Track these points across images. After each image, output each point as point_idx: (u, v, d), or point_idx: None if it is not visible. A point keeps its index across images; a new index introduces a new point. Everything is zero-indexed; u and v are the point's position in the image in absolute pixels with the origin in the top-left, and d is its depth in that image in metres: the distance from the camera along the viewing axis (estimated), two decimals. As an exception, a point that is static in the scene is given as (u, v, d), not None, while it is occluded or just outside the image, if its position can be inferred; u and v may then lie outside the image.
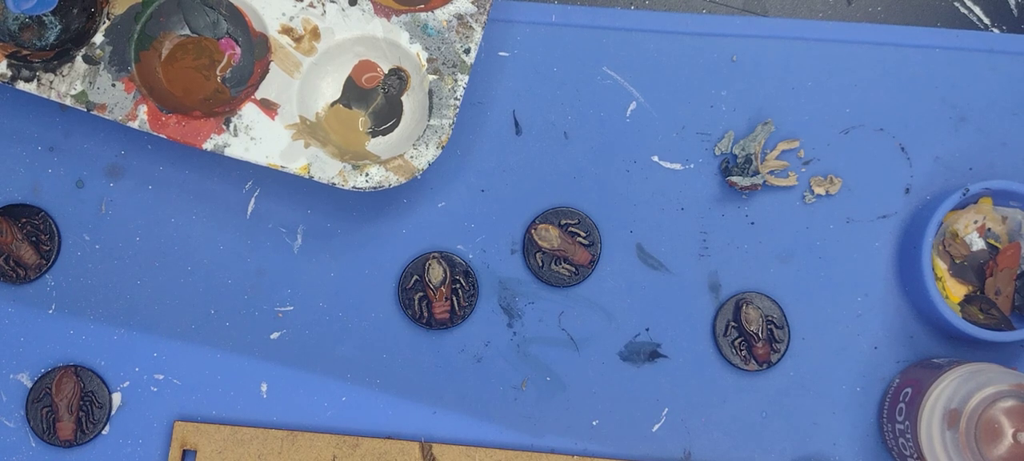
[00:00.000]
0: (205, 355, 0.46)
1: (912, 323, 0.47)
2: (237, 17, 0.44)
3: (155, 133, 0.42)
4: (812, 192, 0.47)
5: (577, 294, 0.46)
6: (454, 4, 0.43)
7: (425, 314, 0.46)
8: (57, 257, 0.46)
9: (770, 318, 0.46)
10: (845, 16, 0.49)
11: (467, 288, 0.46)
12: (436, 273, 0.46)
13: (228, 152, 0.42)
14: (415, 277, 0.46)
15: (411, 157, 0.42)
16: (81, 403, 0.45)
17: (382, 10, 0.43)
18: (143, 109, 0.43)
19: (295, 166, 0.42)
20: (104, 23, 0.43)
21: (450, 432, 0.46)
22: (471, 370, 0.46)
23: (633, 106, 0.47)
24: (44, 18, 0.44)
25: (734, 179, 0.46)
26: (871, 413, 0.46)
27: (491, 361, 0.46)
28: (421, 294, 0.46)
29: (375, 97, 0.45)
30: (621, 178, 0.47)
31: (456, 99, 0.43)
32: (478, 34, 0.43)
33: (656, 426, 0.46)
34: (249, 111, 0.43)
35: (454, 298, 0.46)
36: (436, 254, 0.46)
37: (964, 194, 0.45)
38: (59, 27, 0.44)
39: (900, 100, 0.48)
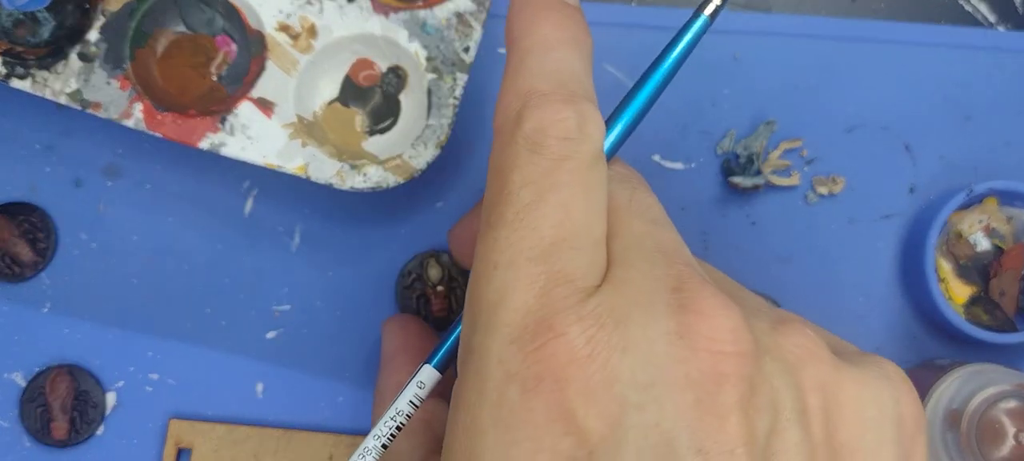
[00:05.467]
0: (201, 355, 0.46)
1: (915, 324, 0.47)
2: (233, 14, 0.43)
3: (150, 132, 0.42)
4: (815, 192, 0.47)
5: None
6: (453, 1, 0.43)
7: (423, 312, 0.46)
8: (53, 255, 0.46)
9: (772, 319, 0.46)
10: (849, 13, 0.49)
11: (465, 284, 0.45)
12: (435, 271, 0.45)
13: (224, 151, 0.42)
14: (414, 275, 0.46)
15: (409, 157, 0.42)
16: (75, 403, 0.45)
17: (380, 7, 0.43)
18: (138, 107, 0.42)
19: (292, 166, 0.42)
20: (99, 20, 0.43)
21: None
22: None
23: (634, 104, 0.47)
24: (38, 15, 0.43)
25: (736, 180, 0.46)
26: (873, 415, 0.46)
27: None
28: (419, 292, 0.46)
29: (373, 96, 0.44)
30: (622, 177, 0.47)
31: (455, 98, 0.42)
32: (478, 32, 0.43)
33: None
34: (245, 110, 0.42)
35: (452, 297, 0.46)
36: (436, 253, 0.46)
37: (969, 194, 0.44)
38: (53, 24, 0.43)
39: (904, 98, 0.47)
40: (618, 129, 0.31)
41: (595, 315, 0.25)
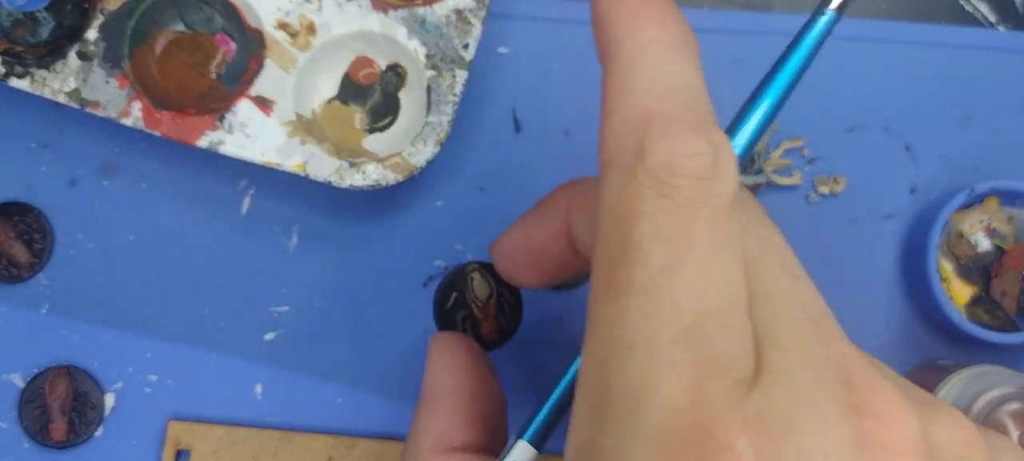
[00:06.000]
0: (199, 356, 0.46)
1: (917, 325, 0.46)
2: (232, 12, 0.43)
3: (149, 130, 0.42)
4: (816, 191, 0.46)
5: (580, 295, 0.46)
6: None
7: (470, 335, 0.42)
8: (50, 256, 0.46)
9: (773, 319, 0.46)
10: (849, 12, 0.48)
11: (513, 301, 0.42)
12: (482, 289, 0.42)
13: (223, 150, 0.42)
14: (455, 294, 0.43)
15: (409, 155, 0.42)
16: (74, 404, 0.45)
17: (379, 5, 0.43)
18: (137, 106, 0.42)
19: (291, 164, 0.42)
20: (98, 19, 0.43)
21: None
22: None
23: (634, 104, 0.47)
24: (37, 15, 0.43)
25: (737, 178, 0.45)
26: (875, 416, 0.46)
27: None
28: (465, 314, 0.42)
29: (372, 94, 0.44)
30: (622, 177, 0.46)
31: (454, 96, 0.42)
32: (477, 29, 0.43)
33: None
34: (244, 108, 0.42)
35: (501, 315, 0.42)
36: (477, 266, 0.42)
37: (970, 194, 0.44)
38: (52, 23, 0.43)
39: (905, 98, 0.47)
40: (737, 154, 0.26)
41: (761, 419, 0.21)
